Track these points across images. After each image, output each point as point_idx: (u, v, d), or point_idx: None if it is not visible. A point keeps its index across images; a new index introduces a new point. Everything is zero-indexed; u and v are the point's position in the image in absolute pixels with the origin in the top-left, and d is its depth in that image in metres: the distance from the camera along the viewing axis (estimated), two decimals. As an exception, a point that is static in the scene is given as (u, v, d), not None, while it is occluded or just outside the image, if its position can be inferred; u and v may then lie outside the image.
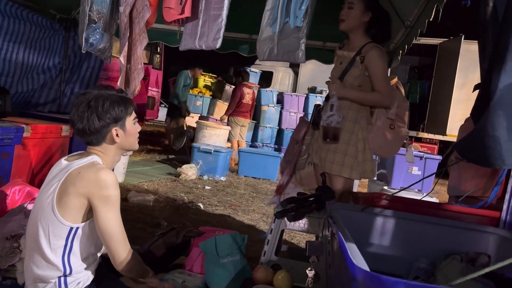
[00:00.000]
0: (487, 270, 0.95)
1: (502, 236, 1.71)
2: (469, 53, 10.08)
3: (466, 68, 10.05)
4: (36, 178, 3.37)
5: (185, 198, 4.49)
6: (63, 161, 1.69)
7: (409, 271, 1.75)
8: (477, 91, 2.75)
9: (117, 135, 1.67)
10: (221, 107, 8.93)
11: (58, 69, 4.85)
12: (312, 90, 10.46)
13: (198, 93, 9.26)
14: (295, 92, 11.23)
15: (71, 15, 4.75)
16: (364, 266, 0.95)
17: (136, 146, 1.79)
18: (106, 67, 7.59)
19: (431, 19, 3.32)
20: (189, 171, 5.83)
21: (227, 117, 7.56)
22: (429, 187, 5.43)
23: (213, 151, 6.10)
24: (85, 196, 1.57)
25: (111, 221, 1.59)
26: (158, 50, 10.77)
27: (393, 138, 2.63)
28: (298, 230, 2.69)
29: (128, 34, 2.62)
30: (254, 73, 10.07)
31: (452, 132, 10.33)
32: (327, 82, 2.63)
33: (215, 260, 2.31)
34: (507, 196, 1.79)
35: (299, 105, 9.62)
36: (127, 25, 2.63)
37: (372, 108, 2.63)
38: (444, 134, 10.32)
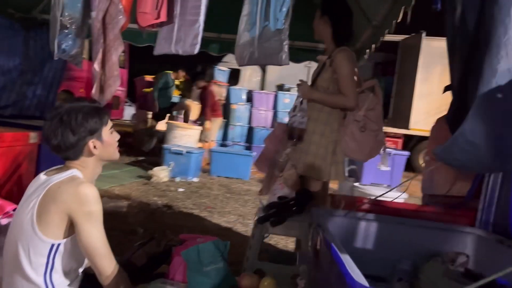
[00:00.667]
0: (484, 281, 0.99)
1: (478, 235, 1.79)
2: (430, 49, 10.44)
3: (427, 63, 10.40)
4: (3, 189, 3.23)
5: (159, 202, 4.44)
6: (42, 176, 1.64)
7: (393, 272, 1.81)
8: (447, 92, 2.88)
9: (94, 147, 1.63)
10: (191, 106, 8.85)
11: (19, 70, 4.65)
12: (280, 87, 10.53)
13: (166, 93, 9.11)
14: (263, 89, 11.27)
15: (31, 14, 4.58)
16: (364, 282, 0.98)
17: (117, 156, 1.74)
18: (69, 67, 7.40)
19: (398, 20, 3.42)
20: (161, 173, 5.75)
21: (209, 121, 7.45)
22: (397, 182, 5.59)
23: (185, 152, 6.05)
24: (66, 212, 1.52)
25: (94, 236, 1.55)
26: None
27: (366, 141, 2.65)
28: (280, 234, 2.73)
29: (102, 40, 2.55)
30: (222, 71, 10.02)
31: (416, 126, 10.68)
32: (297, 85, 2.67)
33: (198, 268, 2.30)
34: (482, 197, 1.88)
35: (269, 103, 9.67)
36: (100, 30, 2.56)
37: (345, 110, 2.68)
38: (407, 128, 10.65)
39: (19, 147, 3.34)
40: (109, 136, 1.68)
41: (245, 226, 4.05)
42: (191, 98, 9.15)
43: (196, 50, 2.57)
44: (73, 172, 1.60)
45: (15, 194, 3.26)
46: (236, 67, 11.46)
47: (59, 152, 1.64)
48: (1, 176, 3.18)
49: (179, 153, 6.02)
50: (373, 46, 4.15)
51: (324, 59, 2.62)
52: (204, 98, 7.34)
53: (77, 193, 1.51)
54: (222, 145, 9.02)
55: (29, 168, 3.53)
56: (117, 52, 2.54)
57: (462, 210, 2.00)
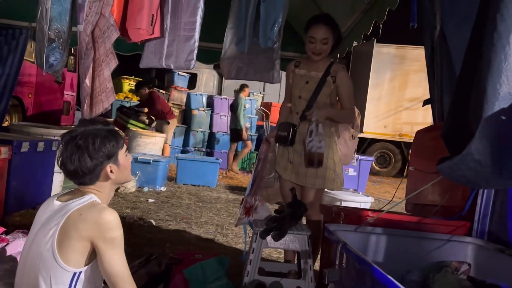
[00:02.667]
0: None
1: (478, 245, 1.93)
2: (380, 55, 10.95)
3: (378, 69, 10.91)
4: (-25, 208, 3.04)
5: (135, 215, 4.33)
6: (55, 202, 1.58)
7: (402, 284, 1.90)
8: (427, 105, 3.05)
9: (111, 171, 1.60)
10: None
11: (-31, 77, 4.39)
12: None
13: (124, 98, 8.89)
14: (221, 94, 11.27)
15: None
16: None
17: (130, 178, 1.73)
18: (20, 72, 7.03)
19: (368, 33, 3.59)
20: (128, 183, 5.60)
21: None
22: (363, 187, 5.83)
23: (152, 161, 5.93)
24: (89, 239, 1.48)
25: (117, 262, 1.51)
26: (72, 52, 10.14)
27: (353, 147, 2.91)
28: (278, 247, 2.77)
29: (92, 55, 2.47)
30: (182, 76, 9.91)
31: (367, 129, 11.16)
32: (307, 114, 2.66)
33: (202, 286, 2.30)
34: (477, 208, 2.03)
35: (229, 108, 9.67)
36: (90, 44, 2.48)
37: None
38: (361, 131, 11.10)
39: (-11, 163, 3.15)
40: (125, 159, 1.66)
41: (225, 237, 4.05)
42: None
43: (192, 65, 2.56)
44: (92, 197, 1.56)
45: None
46: (193, 71, 11.40)
47: (75, 178, 1.58)
48: (-29, 195, 2.98)
49: (146, 162, 5.89)
50: (338, 55, 4.33)
51: (318, 75, 2.67)
52: (152, 103, 7.14)
53: (100, 219, 1.48)
54: (183, 151, 8.91)
55: (-1, 185, 3.33)
56: (109, 67, 2.48)
57: (457, 220, 2.14)
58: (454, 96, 2.12)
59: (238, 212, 3.18)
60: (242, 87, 8.43)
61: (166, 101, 7.57)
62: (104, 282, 1.75)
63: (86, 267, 1.52)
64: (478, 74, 1.84)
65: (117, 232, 1.51)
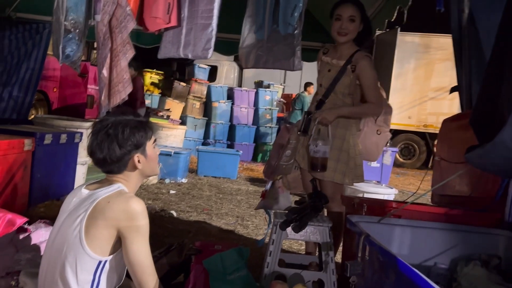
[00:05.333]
0: None
1: (509, 237, 1.84)
2: (404, 44, 10.68)
3: (402, 58, 10.65)
4: (0, 199, 3.08)
5: (156, 206, 4.35)
6: (83, 190, 1.61)
7: (428, 277, 1.83)
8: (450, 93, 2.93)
9: (138, 161, 1.61)
10: (171, 104, 8.73)
11: (-6, 71, 4.47)
12: (259, 84, 10.51)
13: (146, 91, 8.93)
14: (241, 86, 11.23)
15: (5, 13, 4.39)
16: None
17: (157, 171, 1.74)
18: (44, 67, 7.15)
19: (392, 19, 3.47)
20: (150, 175, 5.63)
21: None
22: (387, 178, 5.72)
23: (173, 153, 5.95)
24: (115, 227, 1.50)
25: (142, 252, 1.53)
26: (95, 46, 10.25)
27: (381, 143, 2.76)
28: (299, 239, 2.72)
29: (109, 45, 2.46)
30: (203, 69, 9.90)
31: (392, 120, 10.86)
32: (313, 116, 2.57)
33: (221, 277, 2.27)
34: (508, 198, 1.93)
35: (249, 100, 9.63)
36: (107, 35, 2.47)
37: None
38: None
39: (14, 155, 3.20)
40: (152, 151, 1.67)
41: (245, 228, 4.03)
42: (171, 97, 9.02)
43: (209, 54, 2.52)
44: (120, 186, 1.59)
45: (11, 204, 3.13)
46: (213, 63, 11.38)
47: (103, 166, 1.61)
48: (-3, 186, 3.04)
49: (167, 154, 5.91)
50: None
51: (339, 63, 2.58)
52: (135, 89, 6.99)
53: (127, 207, 1.50)
54: (204, 143, 8.93)
55: (24, 177, 3.39)
56: (126, 57, 2.46)
57: (486, 212, 2.05)
58: (484, 82, 2.02)
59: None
60: (307, 85, 8.35)
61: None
62: (127, 275, 1.77)
63: (111, 256, 1.54)
64: (511, 58, 1.74)
65: (143, 221, 1.53)
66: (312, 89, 8.48)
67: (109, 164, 1.57)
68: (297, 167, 2.87)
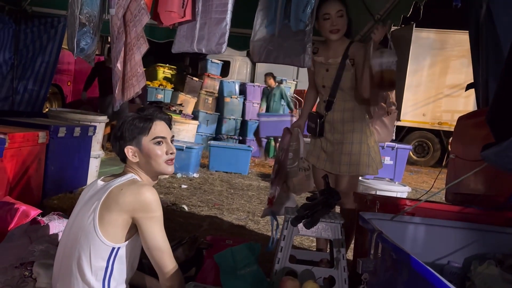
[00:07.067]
0: None
1: (525, 237, 1.80)
2: (420, 40, 10.53)
3: (417, 55, 10.50)
4: (15, 191, 3.13)
5: (168, 201, 4.37)
6: (99, 182, 1.67)
7: (441, 275, 1.81)
8: (463, 91, 2.88)
9: (134, 154, 1.66)
10: (184, 99, 8.75)
11: (9, 65, 4.53)
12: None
13: (158, 86, 8.98)
14: (253, 81, 11.20)
15: (22, 7, 4.43)
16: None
17: (166, 169, 1.70)
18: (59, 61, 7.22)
19: (408, 15, 3.42)
20: (162, 169, 5.66)
21: None
22: (400, 176, 5.66)
23: (185, 147, 5.97)
24: (129, 213, 1.55)
25: (160, 237, 1.59)
26: (109, 40, 10.31)
27: (391, 124, 2.79)
28: (310, 236, 2.71)
29: (124, 39, 2.46)
30: (215, 64, 9.89)
31: (406, 117, 10.80)
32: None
33: (232, 272, 2.27)
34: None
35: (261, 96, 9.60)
36: (121, 28, 2.47)
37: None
38: (398, 119, 10.74)
39: (28, 147, 3.24)
40: (150, 146, 1.67)
41: (256, 224, 4.03)
42: (184, 92, 9.04)
43: (223, 49, 2.51)
44: (133, 176, 1.65)
45: (25, 196, 3.17)
46: (226, 58, 11.37)
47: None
48: (12, 177, 3.08)
49: (179, 149, 5.92)
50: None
51: (337, 61, 2.56)
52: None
53: (140, 196, 1.54)
54: (216, 138, 8.94)
55: (38, 169, 3.43)
56: (140, 51, 2.46)
57: (502, 210, 2.01)
58: (501, 79, 1.98)
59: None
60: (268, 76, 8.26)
61: None
62: (140, 263, 1.79)
63: (124, 243, 1.58)
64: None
65: (158, 212, 1.58)
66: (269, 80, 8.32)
67: (116, 154, 1.71)
68: (302, 169, 2.86)
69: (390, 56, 2.33)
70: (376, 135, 2.68)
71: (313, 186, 2.94)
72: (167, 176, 5.66)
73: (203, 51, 2.60)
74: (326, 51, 2.65)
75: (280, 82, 9.00)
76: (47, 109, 6.77)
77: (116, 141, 1.69)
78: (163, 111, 1.76)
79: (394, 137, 5.00)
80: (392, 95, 2.82)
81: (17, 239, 2.04)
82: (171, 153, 1.69)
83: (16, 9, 4.37)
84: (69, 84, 9.02)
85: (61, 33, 4.68)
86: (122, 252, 1.57)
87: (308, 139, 2.88)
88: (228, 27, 2.47)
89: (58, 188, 3.82)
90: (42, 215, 2.40)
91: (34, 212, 2.31)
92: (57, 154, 3.64)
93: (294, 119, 8.44)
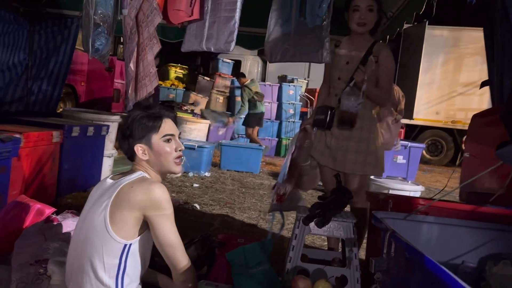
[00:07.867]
0: None
1: (541, 237, 1.78)
2: (432, 38, 10.41)
3: (430, 53, 10.39)
4: (30, 190, 3.18)
5: (180, 200, 4.40)
6: (108, 180, 1.68)
7: (455, 275, 1.79)
8: (477, 88, 2.85)
9: (144, 152, 1.68)
10: (195, 99, 8.79)
11: (24, 65, 4.59)
12: (283, 78, 10.46)
13: (170, 86, 9.03)
14: (264, 80, 11.20)
15: (36, 8, 4.49)
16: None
17: (175, 168, 1.73)
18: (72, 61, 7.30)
19: (421, 12, 3.38)
20: (174, 168, 5.69)
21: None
22: (413, 175, 5.61)
23: (197, 146, 6.00)
24: (140, 210, 1.56)
25: (172, 233, 1.61)
26: (121, 40, 10.40)
27: (396, 132, 2.78)
28: (322, 235, 2.70)
29: (136, 39, 2.48)
30: (226, 63, 9.92)
31: (418, 116, 10.69)
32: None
33: (244, 270, 2.28)
34: (541, 197, 1.86)
35: (273, 95, 9.61)
36: (134, 29, 2.49)
37: (379, 105, 2.68)
38: (411, 118, 10.62)
39: (43, 146, 3.28)
40: (160, 144, 1.69)
41: (268, 222, 4.02)
42: (195, 91, 9.08)
43: (232, 47, 2.52)
44: (142, 173, 1.67)
45: (39, 194, 3.21)
46: (237, 58, 11.39)
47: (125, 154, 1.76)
48: (27, 176, 3.13)
49: (191, 148, 5.96)
50: (388, 37, 4.11)
51: (359, 55, 2.54)
52: None
53: (150, 194, 1.56)
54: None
55: (52, 168, 3.48)
56: (153, 51, 2.48)
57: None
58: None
59: (270, 198, 3.13)
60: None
61: None
62: (152, 260, 1.80)
63: (136, 238, 1.59)
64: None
65: (169, 209, 1.59)
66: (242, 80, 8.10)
67: (125, 152, 1.72)
68: (313, 167, 2.85)
69: (355, 99, 2.40)
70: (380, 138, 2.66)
71: (318, 183, 2.95)
72: (179, 175, 5.69)
73: (212, 49, 2.62)
74: (349, 45, 2.63)
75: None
76: (61, 109, 6.85)
77: (125, 140, 1.70)
78: (169, 109, 1.78)
79: (399, 149, 4.89)
80: (402, 103, 2.83)
81: (32, 237, 2.07)
82: (180, 150, 1.72)
83: (30, 10, 4.42)
84: (82, 84, 9.11)
85: (74, 33, 4.74)
86: (135, 248, 1.59)
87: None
88: (237, 25, 2.47)
89: (72, 186, 3.87)
90: (56, 213, 2.43)
91: (48, 210, 2.34)
92: (71, 153, 3.69)
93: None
